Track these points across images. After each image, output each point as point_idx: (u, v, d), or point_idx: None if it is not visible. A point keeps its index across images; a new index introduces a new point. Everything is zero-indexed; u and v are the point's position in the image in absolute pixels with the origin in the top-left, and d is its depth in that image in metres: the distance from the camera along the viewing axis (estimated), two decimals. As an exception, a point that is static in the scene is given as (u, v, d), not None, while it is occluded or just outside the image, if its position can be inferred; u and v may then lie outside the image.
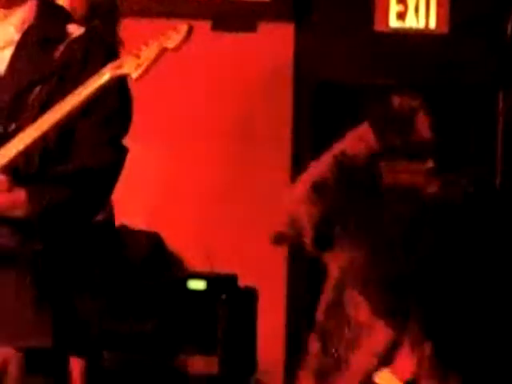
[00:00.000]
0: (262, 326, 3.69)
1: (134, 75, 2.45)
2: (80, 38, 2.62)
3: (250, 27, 3.91)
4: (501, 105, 3.87)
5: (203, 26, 3.97)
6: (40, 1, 2.63)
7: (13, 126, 2.52)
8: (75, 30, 2.63)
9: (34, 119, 2.50)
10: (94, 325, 3.34)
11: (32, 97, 2.61)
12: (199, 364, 3.64)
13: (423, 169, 3.38)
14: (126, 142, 2.58)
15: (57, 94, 2.54)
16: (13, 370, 2.33)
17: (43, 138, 2.46)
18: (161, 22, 3.75)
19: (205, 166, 4.00)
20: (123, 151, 2.74)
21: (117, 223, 3.33)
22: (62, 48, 2.62)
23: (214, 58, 3.90)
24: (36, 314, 2.48)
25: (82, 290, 2.93)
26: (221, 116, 3.95)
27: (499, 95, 3.90)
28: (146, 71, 2.43)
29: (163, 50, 2.44)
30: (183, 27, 2.47)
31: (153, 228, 3.74)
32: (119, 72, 2.44)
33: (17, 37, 2.65)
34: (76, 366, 3.39)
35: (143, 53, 2.42)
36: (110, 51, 2.76)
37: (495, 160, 3.97)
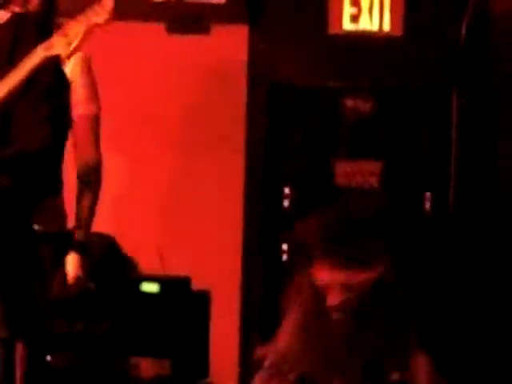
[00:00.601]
0: (216, 329, 3.68)
1: (65, 54, 2.52)
2: (6, 23, 2.67)
3: (204, 29, 3.86)
4: (454, 106, 3.86)
5: (158, 29, 3.97)
6: None
7: None
8: (2, 15, 2.65)
9: None
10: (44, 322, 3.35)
11: None
12: (151, 367, 3.63)
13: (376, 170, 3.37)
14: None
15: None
16: None
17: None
18: (114, 24, 3.74)
19: (159, 168, 3.97)
20: (63, 128, 2.70)
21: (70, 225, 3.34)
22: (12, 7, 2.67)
23: (169, 59, 3.88)
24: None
25: (34, 287, 2.89)
26: (175, 118, 3.93)
27: (453, 97, 3.89)
28: (77, 48, 2.53)
29: (92, 26, 2.50)
30: (108, 1, 2.51)
31: (107, 230, 3.74)
32: (50, 53, 2.49)
33: None
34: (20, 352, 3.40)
35: (71, 31, 2.49)
36: (42, 34, 2.68)
37: (449, 162, 3.97)
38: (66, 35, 2.53)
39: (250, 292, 3.88)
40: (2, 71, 2.60)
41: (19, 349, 3.01)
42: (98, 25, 2.59)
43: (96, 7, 2.60)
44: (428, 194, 4.15)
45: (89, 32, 2.53)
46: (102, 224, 3.67)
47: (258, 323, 3.86)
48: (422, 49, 3.89)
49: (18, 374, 3.39)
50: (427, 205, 4.03)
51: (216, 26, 3.85)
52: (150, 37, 3.85)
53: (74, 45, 2.48)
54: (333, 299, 2.10)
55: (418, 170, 4.02)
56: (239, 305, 3.90)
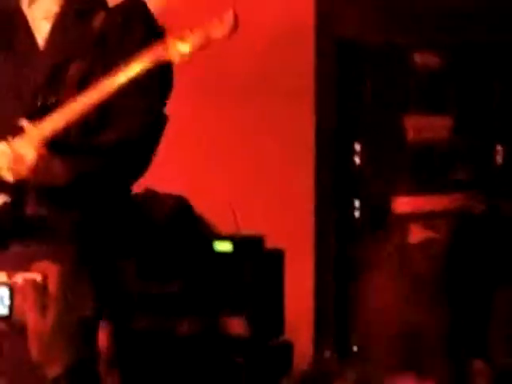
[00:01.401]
0: (290, 288, 3.76)
1: (176, 62, 2.41)
2: (120, 5, 2.61)
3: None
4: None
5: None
6: None
7: (53, 100, 2.56)
8: None
9: (73, 95, 2.49)
10: (125, 287, 3.47)
11: (71, 72, 2.63)
12: (227, 326, 3.72)
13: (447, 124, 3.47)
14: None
15: (95, 70, 2.57)
16: (52, 282, 2.33)
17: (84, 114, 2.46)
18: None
19: (229, 125, 4.06)
20: (162, 120, 2.71)
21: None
22: (100, 17, 2.64)
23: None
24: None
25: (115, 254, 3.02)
26: (244, 75, 4.03)
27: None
28: (188, 59, 2.39)
29: (208, 41, 2.36)
30: (229, 16, 2.36)
31: (178, 190, 3.82)
32: (163, 58, 2.39)
33: (56, 9, 2.67)
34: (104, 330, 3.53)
35: (188, 39, 2.37)
36: (151, 23, 2.66)
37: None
38: (183, 41, 2.43)
39: (323, 250, 3.97)
40: (110, 63, 2.54)
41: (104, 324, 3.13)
42: (215, 40, 2.46)
43: (216, 21, 2.50)
44: (499, 146, 4.19)
45: (204, 47, 2.41)
46: (173, 185, 3.77)
47: (331, 281, 3.95)
48: (490, 2, 3.96)
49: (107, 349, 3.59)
50: (498, 158, 4.08)
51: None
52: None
53: (187, 56, 2.44)
54: (415, 237, 2.20)
55: (489, 124, 4.09)
56: (313, 263, 3.99)
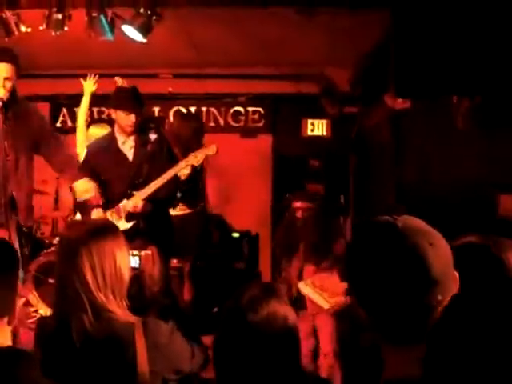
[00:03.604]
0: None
1: (195, 164, 5.76)
2: (156, 140, 5.68)
3: None
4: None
5: None
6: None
7: (138, 181, 5.57)
8: (153, 136, 5.63)
9: (146, 182, 5.50)
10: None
11: (144, 170, 5.59)
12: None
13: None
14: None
15: (153, 169, 5.54)
16: (154, 254, 3.63)
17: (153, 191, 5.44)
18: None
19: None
20: (176, 182, 5.88)
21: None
22: (150, 145, 5.65)
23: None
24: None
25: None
26: None
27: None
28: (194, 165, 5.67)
29: (207, 156, 5.62)
30: (213, 147, 5.60)
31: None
32: (190, 165, 5.75)
33: (132, 144, 5.69)
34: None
35: (197, 156, 5.50)
36: (170, 148, 5.87)
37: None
38: (195, 157, 5.48)
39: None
40: (159, 164, 5.61)
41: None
42: (209, 156, 5.57)
43: (209, 146, 5.57)
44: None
45: (204, 159, 5.53)
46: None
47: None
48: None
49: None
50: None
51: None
52: None
53: (197, 164, 5.73)
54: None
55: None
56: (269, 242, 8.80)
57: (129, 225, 5.58)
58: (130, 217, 5.59)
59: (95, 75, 6.84)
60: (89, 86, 6.89)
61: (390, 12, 5.22)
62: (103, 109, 8.73)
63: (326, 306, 4.99)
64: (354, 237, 1.86)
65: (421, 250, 1.71)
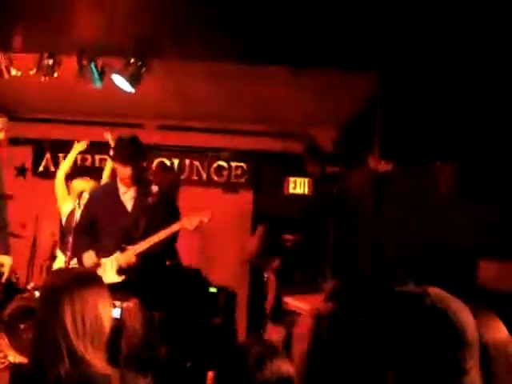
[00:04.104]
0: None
1: (190, 229, 5.40)
2: (157, 193, 5.54)
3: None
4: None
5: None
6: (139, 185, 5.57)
7: (134, 235, 5.47)
8: (154, 188, 5.50)
9: (142, 236, 5.43)
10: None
11: (141, 222, 5.49)
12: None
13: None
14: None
15: (151, 222, 5.44)
16: (135, 306, 4.03)
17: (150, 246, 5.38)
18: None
19: None
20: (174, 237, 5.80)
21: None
22: (150, 198, 5.53)
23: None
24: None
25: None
26: None
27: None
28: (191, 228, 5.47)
29: (201, 221, 5.47)
30: (208, 212, 5.50)
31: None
32: (183, 228, 5.47)
33: (134, 194, 5.60)
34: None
35: (191, 220, 5.41)
36: (173, 203, 6.23)
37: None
38: (189, 221, 5.41)
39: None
40: (157, 217, 5.54)
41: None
42: (204, 221, 5.41)
43: (204, 211, 5.50)
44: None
45: (198, 223, 5.40)
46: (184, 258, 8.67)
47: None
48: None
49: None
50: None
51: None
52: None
53: (191, 227, 5.40)
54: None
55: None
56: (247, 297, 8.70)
57: (120, 278, 5.49)
58: (121, 271, 5.51)
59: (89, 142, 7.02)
60: (80, 146, 7.09)
61: (376, 75, 5.27)
62: (87, 156, 8.79)
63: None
64: (385, 307, 1.93)
65: (455, 316, 1.82)
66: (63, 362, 2.62)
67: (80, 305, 2.66)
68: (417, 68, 4.95)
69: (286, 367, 2.14)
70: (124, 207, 5.72)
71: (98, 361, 2.68)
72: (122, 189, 5.71)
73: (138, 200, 5.68)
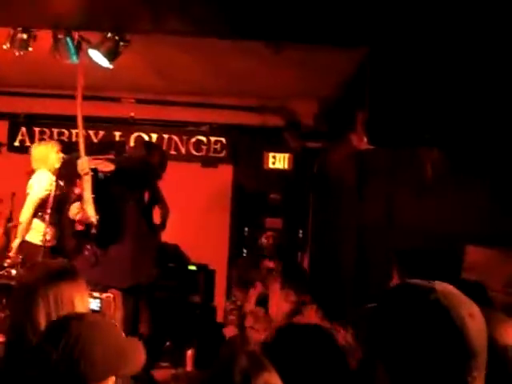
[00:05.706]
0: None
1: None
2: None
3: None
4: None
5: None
6: None
7: None
8: None
9: None
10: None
11: None
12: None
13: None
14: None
15: None
16: (117, 298, 4.06)
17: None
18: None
19: None
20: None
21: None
22: None
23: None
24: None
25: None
26: None
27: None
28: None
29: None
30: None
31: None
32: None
33: None
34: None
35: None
36: None
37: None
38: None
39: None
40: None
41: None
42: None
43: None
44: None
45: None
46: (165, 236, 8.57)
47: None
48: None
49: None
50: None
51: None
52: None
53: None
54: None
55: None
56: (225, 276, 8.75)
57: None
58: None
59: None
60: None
61: (367, 50, 5.18)
62: (63, 130, 8.71)
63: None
64: (388, 300, 1.78)
65: (460, 319, 1.65)
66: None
67: (54, 304, 2.57)
68: (408, 46, 4.83)
69: (274, 380, 1.99)
70: None
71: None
72: None
73: None
